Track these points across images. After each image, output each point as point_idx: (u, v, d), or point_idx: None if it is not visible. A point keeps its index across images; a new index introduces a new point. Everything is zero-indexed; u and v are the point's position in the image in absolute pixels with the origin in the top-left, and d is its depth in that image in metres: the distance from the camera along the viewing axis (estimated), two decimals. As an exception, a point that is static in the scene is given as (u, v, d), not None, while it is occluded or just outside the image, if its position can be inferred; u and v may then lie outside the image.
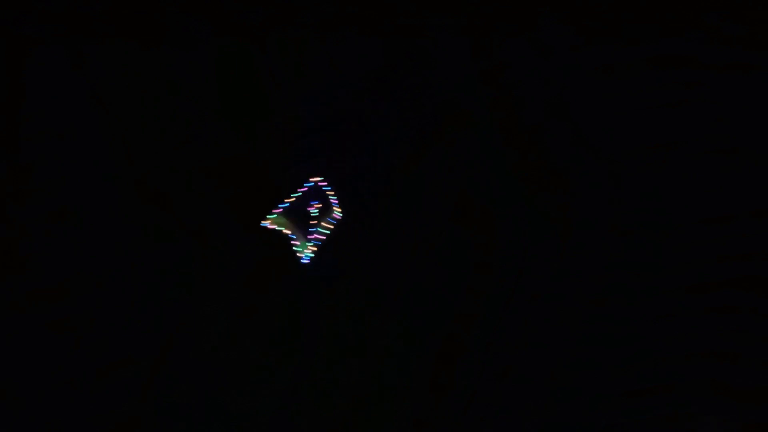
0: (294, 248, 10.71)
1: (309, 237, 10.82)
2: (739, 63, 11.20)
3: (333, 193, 10.95)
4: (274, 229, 10.78)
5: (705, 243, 10.89)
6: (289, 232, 10.78)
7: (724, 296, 10.79)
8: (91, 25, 11.14)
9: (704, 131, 11.14)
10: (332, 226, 10.99)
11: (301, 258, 10.80)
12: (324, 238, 10.90)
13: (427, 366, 10.83)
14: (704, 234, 10.87)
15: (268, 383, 10.68)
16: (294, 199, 10.83)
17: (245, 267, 11.02)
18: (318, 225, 10.91)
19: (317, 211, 10.83)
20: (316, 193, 10.81)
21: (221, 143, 10.95)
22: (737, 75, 11.13)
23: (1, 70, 10.93)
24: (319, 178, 10.85)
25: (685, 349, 10.72)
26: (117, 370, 10.29)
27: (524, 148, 11.19)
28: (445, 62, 11.22)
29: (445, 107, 11.26)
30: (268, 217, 10.77)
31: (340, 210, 10.97)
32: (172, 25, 11.07)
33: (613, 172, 11.00)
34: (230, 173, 11.18)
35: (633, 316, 10.98)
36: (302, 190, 10.87)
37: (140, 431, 10.13)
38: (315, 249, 10.88)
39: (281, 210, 10.82)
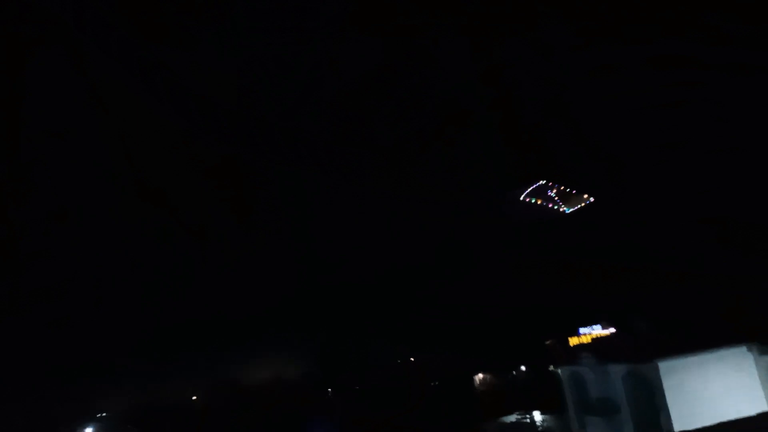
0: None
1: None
2: (739, 63, 11.12)
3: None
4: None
5: (705, 242, 10.85)
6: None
7: (724, 294, 10.72)
8: (91, 25, 11.08)
9: (704, 131, 11.09)
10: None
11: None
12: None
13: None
14: (704, 234, 10.82)
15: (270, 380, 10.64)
16: None
17: (245, 267, 11.01)
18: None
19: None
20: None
21: (221, 143, 10.92)
22: (737, 75, 11.06)
23: (1, 70, 10.87)
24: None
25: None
26: (117, 369, 10.25)
27: (524, 148, 11.14)
28: (445, 62, 11.17)
29: (445, 107, 11.23)
30: None
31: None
32: (172, 25, 11.02)
33: (613, 172, 10.98)
34: (230, 173, 11.16)
35: (633, 315, 10.92)
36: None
37: (139, 428, 10.06)
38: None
39: None
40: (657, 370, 14.85)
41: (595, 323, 14.37)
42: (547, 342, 14.77)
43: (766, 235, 11.89)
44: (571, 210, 14.05)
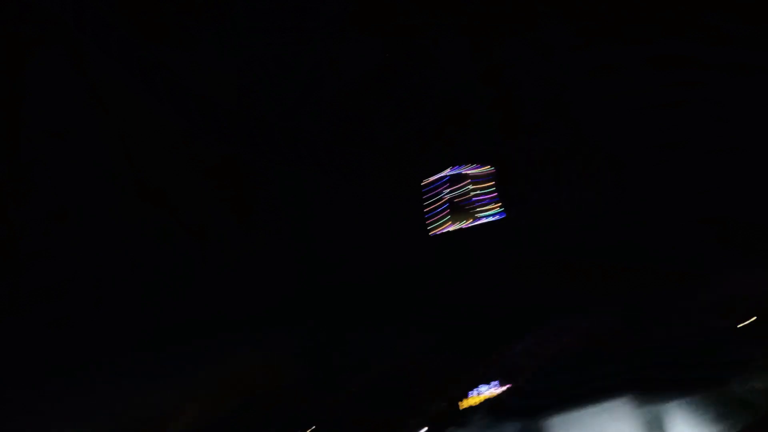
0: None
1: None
2: (739, 63, 11.18)
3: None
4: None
5: (705, 242, 10.89)
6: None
7: (724, 293, 10.78)
8: (91, 25, 11.15)
9: (704, 131, 11.12)
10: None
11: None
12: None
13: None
14: (704, 234, 10.85)
15: (268, 380, 10.67)
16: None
17: (245, 267, 11.02)
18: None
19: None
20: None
21: (221, 143, 10.96)
22: (737, 75, 11.11)
23: (1, 70, 10.93)
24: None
25: (684, 348, 10.70)
26: (117, 368, 10.27)
27: (524, 148, 11.18)
28: (445, 62, 11.21)
29: (445, 107, 11.26)
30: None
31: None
32: (172, 25, 11.07)
33: (613, 172, 10.99)
34: (230, 173, 11.18)
35: (633, 314, 10.97)
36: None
37: (137, 427, 10.11)
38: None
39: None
40: (548, 427, 14.54)
41: (487, 383, 14.07)
42: (440, 405, 14.45)
43: (766, 235, 11.92)
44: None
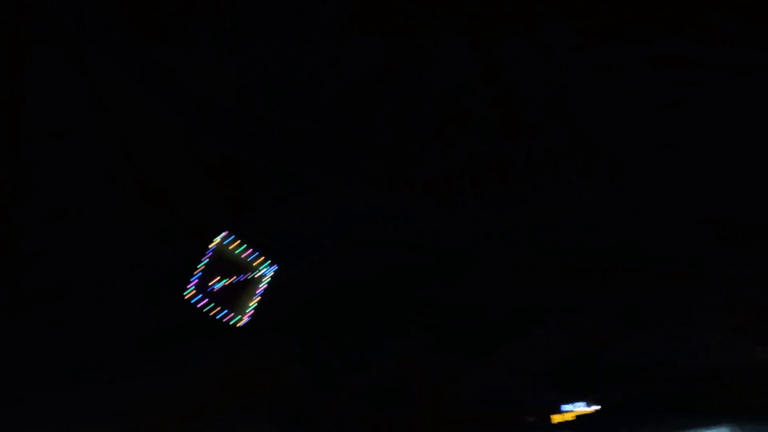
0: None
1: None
2: (739, 63, 11.16)
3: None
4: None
5: (705, 242, 10.87)
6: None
7: (724, 293, 10.80)
8: (91, 25, 11.14)
9: (704, 131, 11.11)
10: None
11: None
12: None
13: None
14: (704, 234, 10.84)
15: (267, 381, 10.68)
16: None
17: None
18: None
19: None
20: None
21: (221, 143, 10.96)
22: (737, 75, 11.10)
23: (1, 70, 10.93)
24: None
25: (683, 351, 10.72)
26: (116, 368, 10.28)
27: (524, 148, 11.16)
28: (445, 62, 11.21)
29: (445, 107, 11.25)
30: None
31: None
32: (172, 25, 11.05)
33: (612, 172, 10.98)
34: (230, 173, 11.18)
35: (633, 314, 10.99)
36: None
37: (138, 426, 10.13)
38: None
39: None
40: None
41: (579, 400, 13.84)
42: (530, 419, 14.25)
43: (766, 235, 11.90)
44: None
